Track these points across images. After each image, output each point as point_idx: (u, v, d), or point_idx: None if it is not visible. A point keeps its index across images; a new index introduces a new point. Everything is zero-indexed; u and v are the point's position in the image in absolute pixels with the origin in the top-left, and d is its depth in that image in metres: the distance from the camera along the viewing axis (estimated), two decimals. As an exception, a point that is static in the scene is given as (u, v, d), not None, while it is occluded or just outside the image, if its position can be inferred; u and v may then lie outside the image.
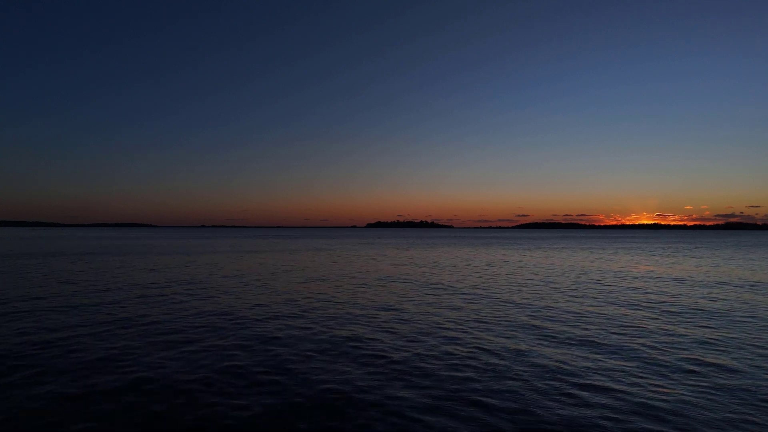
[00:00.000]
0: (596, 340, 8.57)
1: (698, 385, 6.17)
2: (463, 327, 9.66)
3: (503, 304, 12.55)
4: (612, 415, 5.22)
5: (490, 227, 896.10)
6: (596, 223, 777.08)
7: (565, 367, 6.93)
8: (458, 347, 8.04)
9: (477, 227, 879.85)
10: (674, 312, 11.50)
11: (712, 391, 5.98)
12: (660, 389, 6.03)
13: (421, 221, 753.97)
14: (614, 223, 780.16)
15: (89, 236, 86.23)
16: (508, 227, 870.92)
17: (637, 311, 11.59)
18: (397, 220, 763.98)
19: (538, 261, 29.30)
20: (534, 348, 8.01)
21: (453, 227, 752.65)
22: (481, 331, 9.25)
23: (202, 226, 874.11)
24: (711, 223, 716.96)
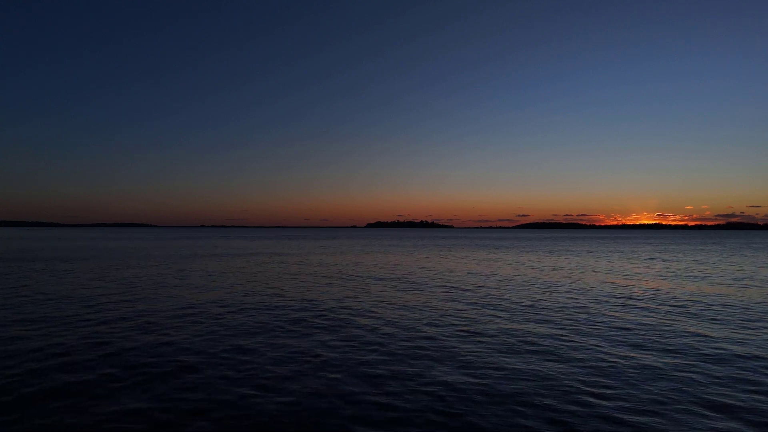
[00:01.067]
0: None
1: None
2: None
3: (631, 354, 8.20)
4: None
5: (491, 227, 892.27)
6: (597, 223, 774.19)
7: None
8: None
9: (477, 227, 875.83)
10: None
11: None
12: None
13: (422, 221, 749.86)
14: (614, 223, 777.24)
15: (81, 237, 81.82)
16: (508, 227, 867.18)
17: None
18: (397, 220, 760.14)
19: (592, 275, 24.96)
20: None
21: (453, 227, 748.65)
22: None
23: (202, 226, 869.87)
24: (712, 223, 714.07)
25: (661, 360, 7.64)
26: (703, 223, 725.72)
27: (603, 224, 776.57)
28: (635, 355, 7.96)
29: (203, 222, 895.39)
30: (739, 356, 7.90)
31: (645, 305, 13.11)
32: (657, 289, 16.48)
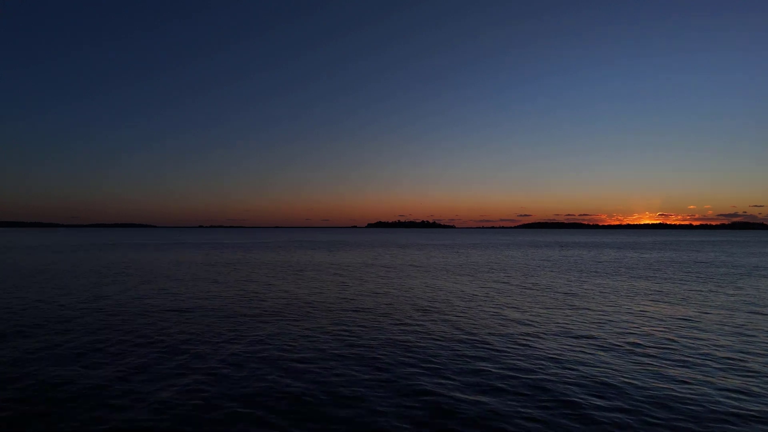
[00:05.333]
0: None
1: None
2: None
3: None
4: None
5: (492, 227, 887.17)
6: (599, 223, 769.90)
7: None
8: None
9: (479, 227, 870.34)
10: None
11: None
12: None
13: (423, 221, 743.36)
14: (616, 222, 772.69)
15: (57, 242, 74.75)
16: (510, 227, 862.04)
17: None
18: (398, 221, 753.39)
19: None
20: None
21: (455, 227, 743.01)
22: None
23: (200, 226, 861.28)
24: (715, 223, 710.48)
25: None
26: (706, 222, 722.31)
27: (605, 224, 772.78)
28: None
29: (202, 222, 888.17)
30: None
31: None
32: None
